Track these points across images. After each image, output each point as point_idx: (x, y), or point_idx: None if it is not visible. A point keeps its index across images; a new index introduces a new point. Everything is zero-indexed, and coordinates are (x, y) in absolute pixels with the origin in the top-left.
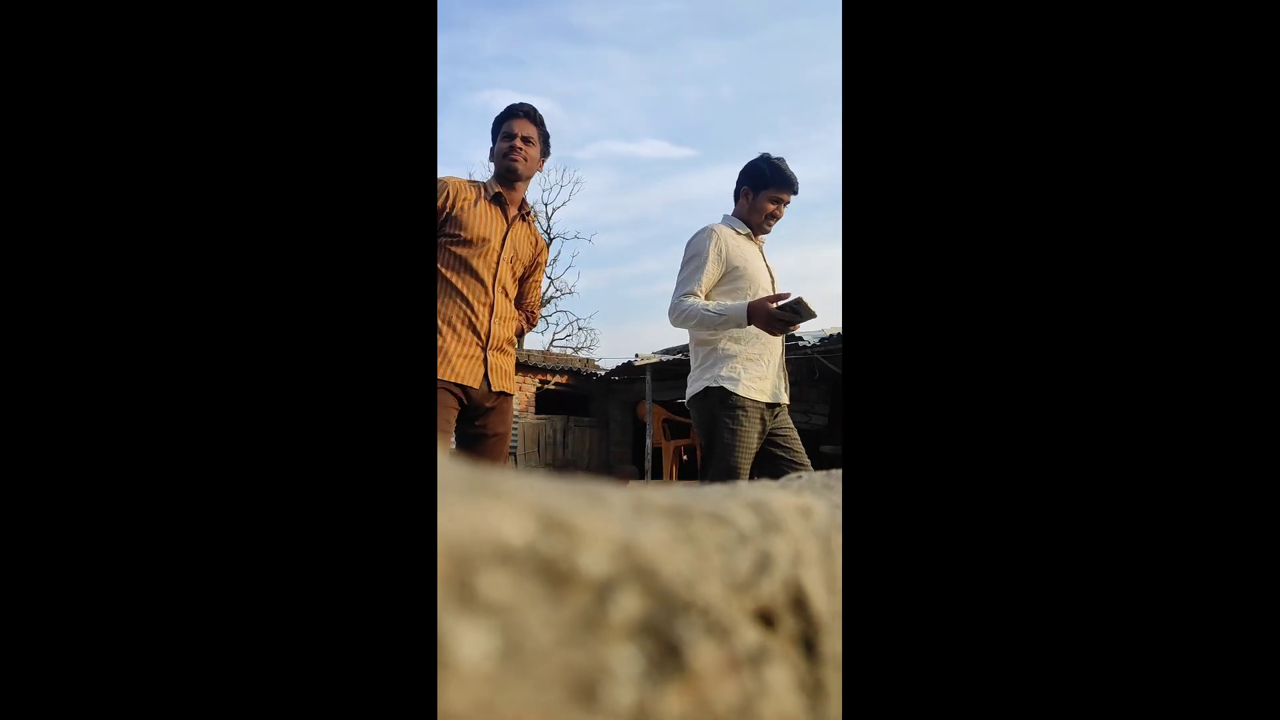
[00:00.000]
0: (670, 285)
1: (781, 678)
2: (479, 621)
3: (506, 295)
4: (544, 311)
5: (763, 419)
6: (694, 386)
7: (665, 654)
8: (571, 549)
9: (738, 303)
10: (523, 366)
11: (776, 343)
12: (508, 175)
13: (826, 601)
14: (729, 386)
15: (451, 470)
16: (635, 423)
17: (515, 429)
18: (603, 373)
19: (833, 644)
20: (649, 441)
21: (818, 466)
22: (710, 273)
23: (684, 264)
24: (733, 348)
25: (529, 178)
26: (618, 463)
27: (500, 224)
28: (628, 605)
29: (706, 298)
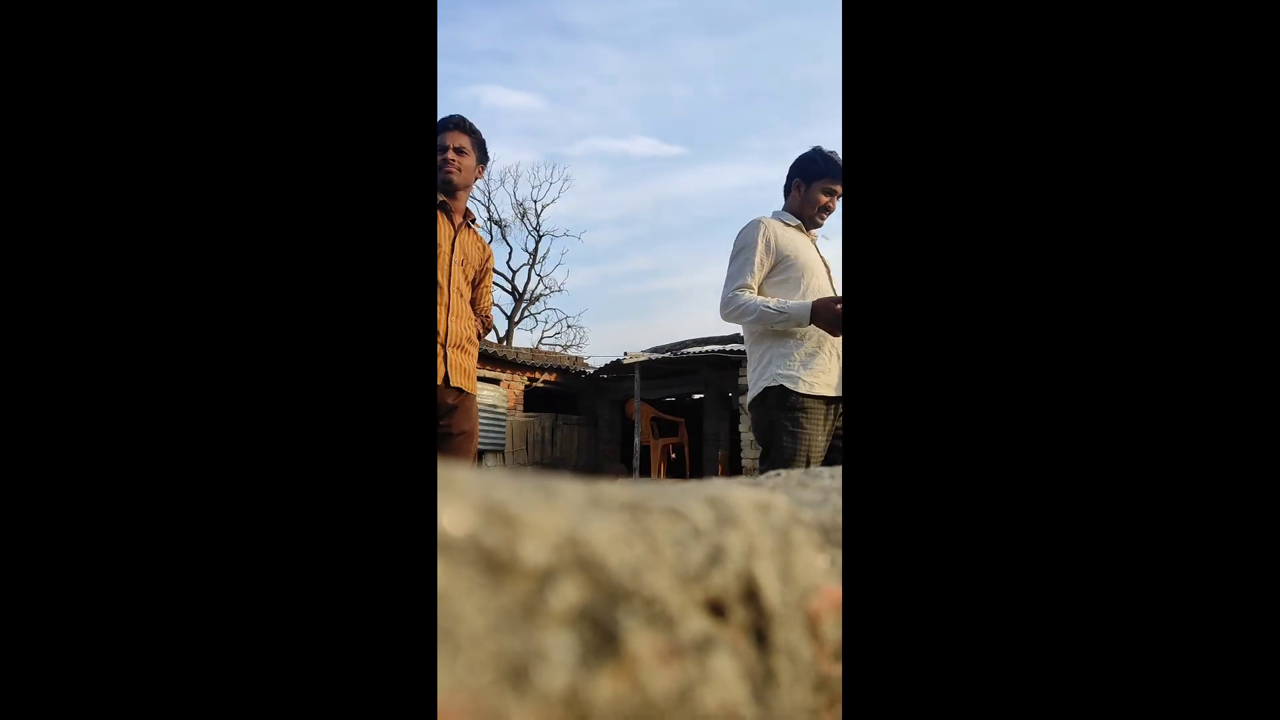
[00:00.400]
0: (659, 284)
1: (726, 666)
2: None
3: (461, 296)
4: (534, 309)
5: (828, 416)
6: (752, 390)
7: (602, 640)
8: (513, 540)
9: (801, 301)
10: (511, 364)
11: None
12: (445, 186)
13: (780, 593)
14: (787, 385)
15: None
16: (623, 421)
17: (503, 427)
18: (591, 371)
19: (786, 634)
20: (637, 440)
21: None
22: (760, 264)
23: (732, 258)
24: (788, 342)
25: (467, 186)
26: (606, 461)
27: (447, 229)
28: (567, 594)
29: (759, 292)
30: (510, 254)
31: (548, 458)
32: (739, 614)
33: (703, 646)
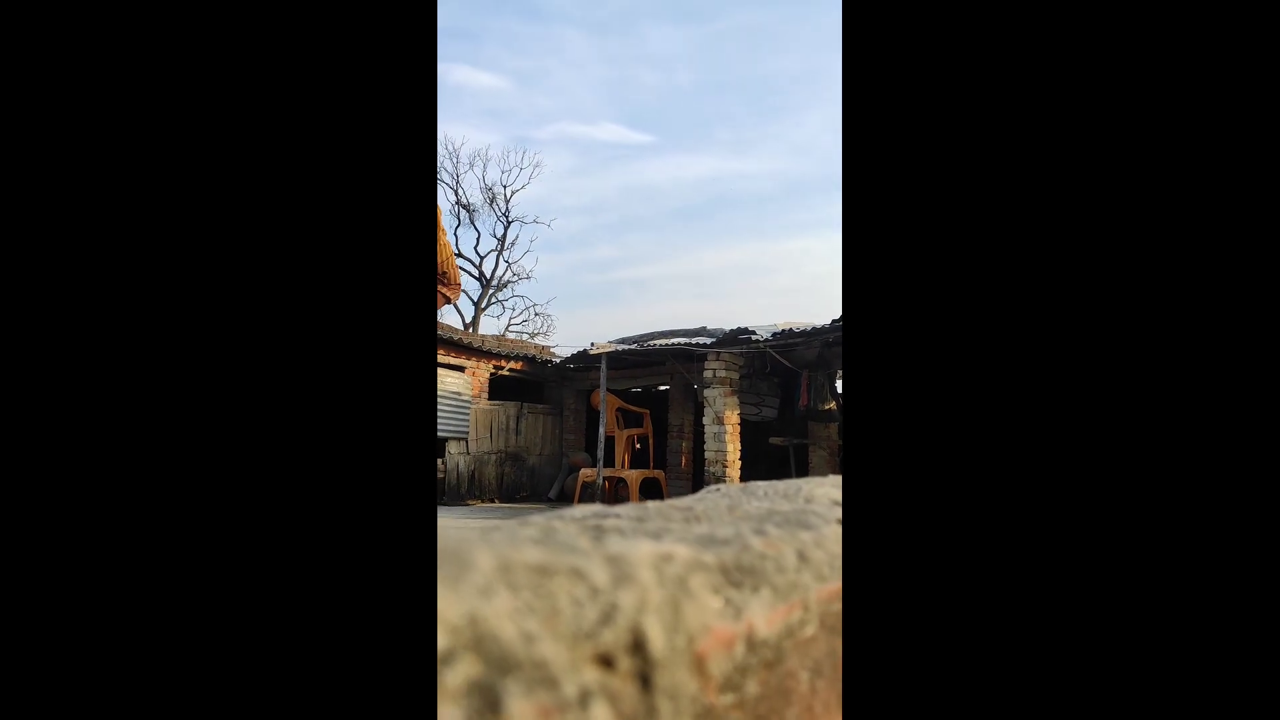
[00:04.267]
0: (626, 273)
1: (604, 713)
2: None
3: None
4: (501, 295)
5: None
6: None
7: (487, 709)
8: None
9: None
10: (477, 351)
11: None
12: None
13: (666, 640)
14: None
15: None
16: (589, 411)
17: (467, 414)
18: (558, 360)
19: (669, 675)
20: (602, 429)
21: (767, 457)
22: None
23: None
24: None
25: None
26: (570, 450)
27: None
28: (461, 671)
29: None
30: (478, 239)
31: (512, 446)
32: (625, 663)
33: (584, 700)
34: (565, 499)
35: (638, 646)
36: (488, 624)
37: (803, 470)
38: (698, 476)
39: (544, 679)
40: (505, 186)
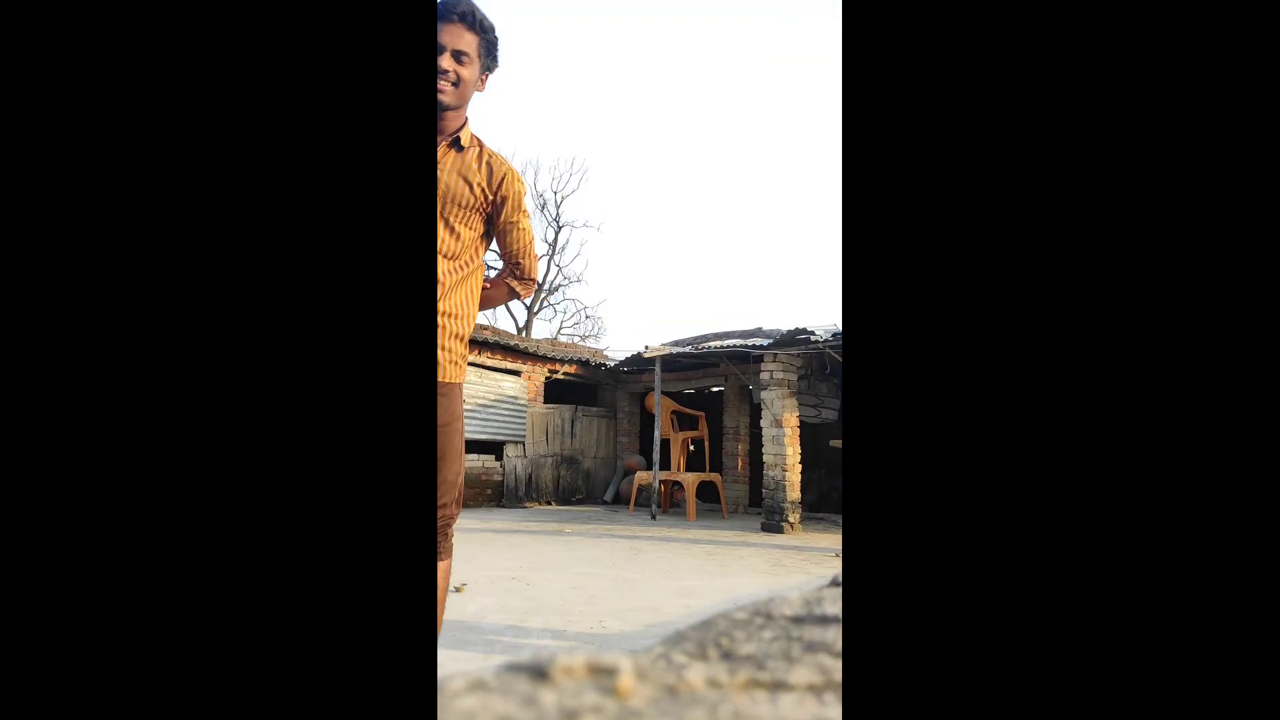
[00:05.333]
0: (676, 274)
1: None
2: None
3: (450, 261)
4: (553, 299)
5: None
6: None
7: None
8: None
9: None
10: (532, 356)
11: None
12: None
13: None
14: None
15: None
16: (643, 413)
17: (523, 418)
18: (611, 363)
19: None
20: (657, 433)
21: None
22: None
23: None
24: None
25: (460, 106)
26: (625, 453)
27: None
28: None
29: None
30: None
31: (567, 449)
32: None
33: None
34: (621, 502)
35: None
36: None
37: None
38: (755, 480)
39: None
40: (555, 193)
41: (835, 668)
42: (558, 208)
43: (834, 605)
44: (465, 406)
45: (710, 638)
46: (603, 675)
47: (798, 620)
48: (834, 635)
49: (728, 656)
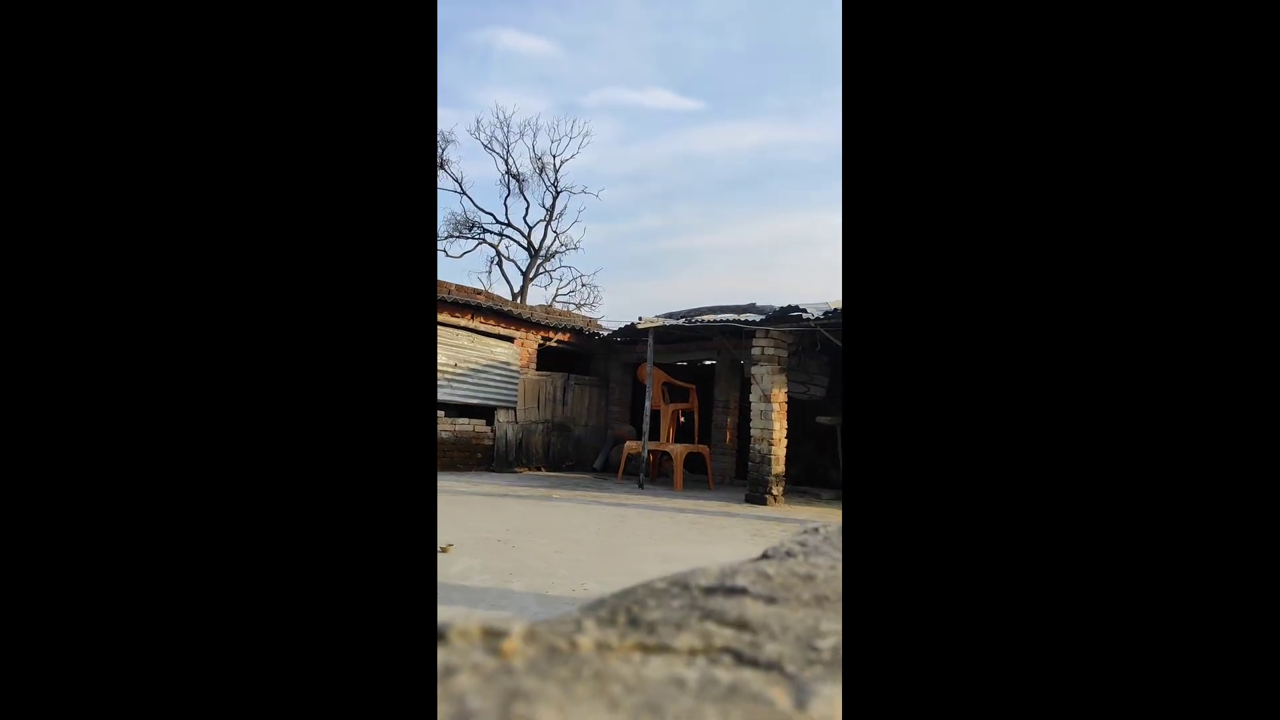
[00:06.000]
0: (673, 243)
1: None
2: None
3: None
4: (549, 266)
5: None
6: None
7: None
8: None
9: None
10: (525, 323)
11: None
12: None
13: None
14: None
15: None
16: (635, 384)
17: (515, 384)
18: (605, 332)
19: None
20: (648, 403)
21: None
22: None
23: None
24: None
25: None
26: (615, 422)
27: None
28: None
29: None
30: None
31: (558, 416)
32: None
33: None
34: (610, 470)
35: None
36: None
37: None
38: (743, 452)
39: None
40: (555, 156)
41: (718, 633)
42: (556, 172)
43: (745, 578)
44: (458, 370)
45: (624, 605)
46: (494, 637)
47: (709, 591)
48: (733, 604)
49: (633, 622)
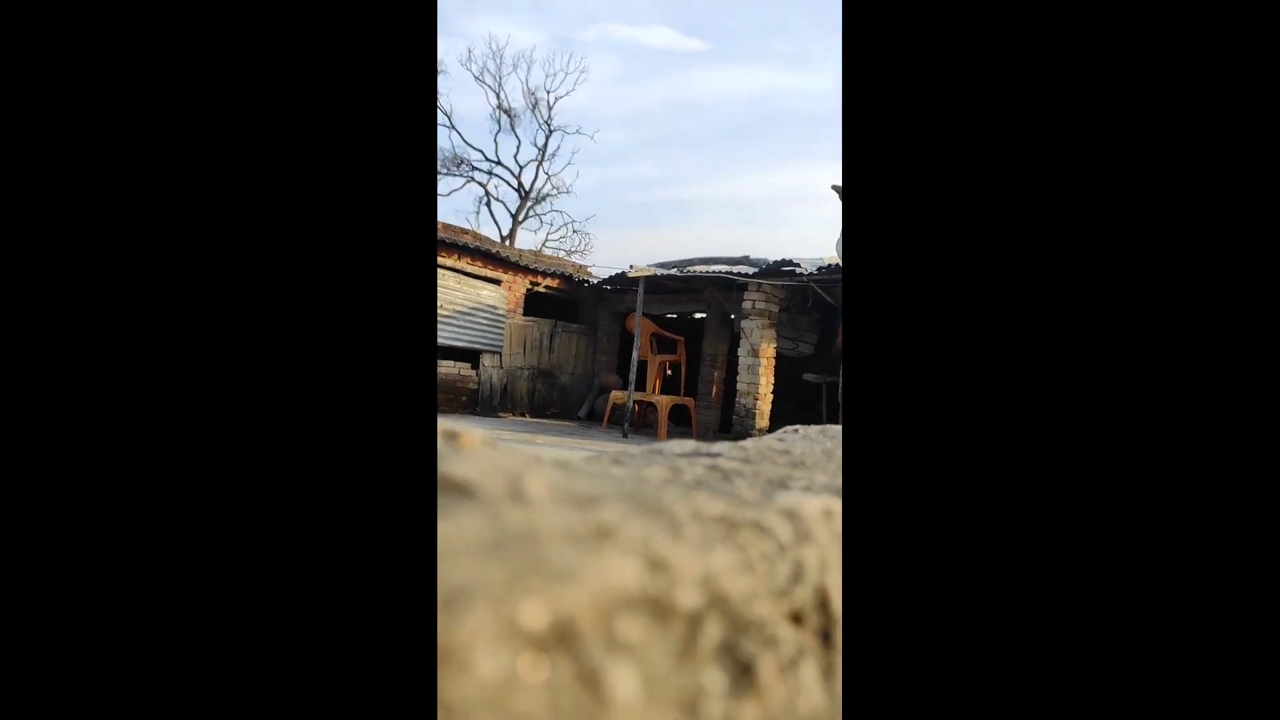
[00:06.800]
0: (668, 193)
1: (810, 673)
2: (626, 663)
3: None
4: (539, 209)
5: None
6: None
7: (739, 672)
8: (671, 586)
9: None
10: (514, 266)
11: None
12: None
13: (840, 597)
14: None
15: (551, 513)
16: (623, 333)
17: (501, 328)
18: (595, 280)
19: (838, 631)
20: (635, 354)
21: (800, 393)
22: None
23: None
24: None
25: None
26: (602, 371)
27: None
28: (712, 633)
29: None
30: (519, 147)
31: (545, 363)
32: (813, 620)
33: (795, 660)
34: (595, 419)
35: (823, 605)
36: (719, 583)
37: (832, 408)
38: (728, 407)
39: (768, 638)
40: (549, 92)
41: (688, 469)
42: (549, 109)
43: (721, 449)
44: (443, 311)
45: (603, 456)
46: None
47: (684, 455)
48: (708, 459)
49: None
